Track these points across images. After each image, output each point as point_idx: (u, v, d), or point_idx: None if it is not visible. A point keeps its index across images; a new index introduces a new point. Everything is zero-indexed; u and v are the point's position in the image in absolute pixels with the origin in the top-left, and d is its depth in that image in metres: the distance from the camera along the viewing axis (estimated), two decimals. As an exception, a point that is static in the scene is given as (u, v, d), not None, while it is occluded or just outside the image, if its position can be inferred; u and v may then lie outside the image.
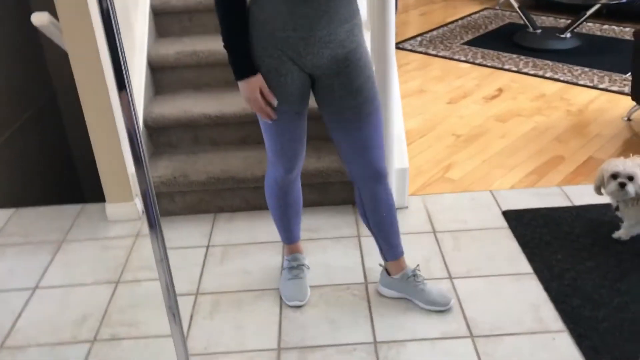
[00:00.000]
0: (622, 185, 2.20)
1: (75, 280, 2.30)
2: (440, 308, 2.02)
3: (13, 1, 3.82)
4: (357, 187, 1.95)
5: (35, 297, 2.22)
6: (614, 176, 2.22)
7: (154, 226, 1.38)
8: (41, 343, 2.00)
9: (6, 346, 2.00)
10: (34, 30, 3.65)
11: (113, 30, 1.16)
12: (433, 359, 1.86)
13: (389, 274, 2.09)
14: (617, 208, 2.32)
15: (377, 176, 1.88)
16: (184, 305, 2.12)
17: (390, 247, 2.03)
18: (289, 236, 2.19)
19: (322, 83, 1.78)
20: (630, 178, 2.19)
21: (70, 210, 2.76)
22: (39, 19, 2.26)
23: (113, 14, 1.14)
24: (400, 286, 2.07)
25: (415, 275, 2.06)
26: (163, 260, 1.43)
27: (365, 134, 1.81)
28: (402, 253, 2.06)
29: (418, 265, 2.10)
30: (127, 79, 1.21)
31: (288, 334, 1.99)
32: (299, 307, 2.09)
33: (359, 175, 1.90)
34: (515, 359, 1.84)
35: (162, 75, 2.89)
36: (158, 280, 2.27)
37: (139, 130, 1.27)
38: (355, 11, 1.74)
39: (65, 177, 4.27)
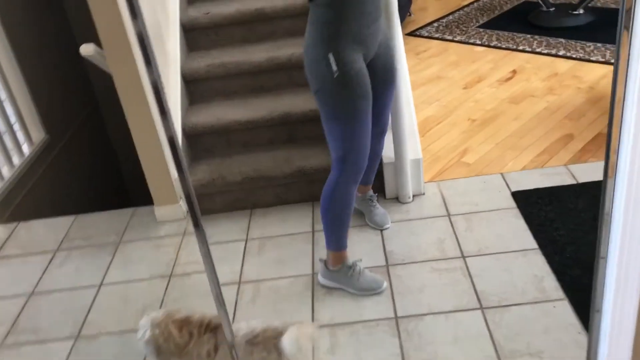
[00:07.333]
0: None
1: (133, 276, 2.64)
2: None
3: (56, 30, 4.18)
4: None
5: (101, 292, 2.57)
6: None
7: (197, 225, 1.66)
8: (110, 332, 2.35)
9: (82, 335, 2.35)
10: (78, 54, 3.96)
11: (148, 53, 1.36)
12: (447, 330, 2.12)
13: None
14: None
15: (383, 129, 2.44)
16: (229, 293, 2.43)
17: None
18: (345, 242, 2.34)
19: (372, 64, 2.17)
20: None
21: (123, 214, 3.11)
22: (86, 50, 2.58)
23: (147, 38, 1.35)
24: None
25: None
26: (207, 256, 1.71)
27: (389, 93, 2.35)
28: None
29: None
30: (163, 97, 1.45)
31: (320, 312, 2.28)
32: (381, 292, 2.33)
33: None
34: (520, 326, 2.09)
35: (194, 87, 3.19)
36: (205, 272, 2.58)
37: (178, 141, 1.54)
38: (382, 8, 2.17)
39: (113, 184, 4.65)
